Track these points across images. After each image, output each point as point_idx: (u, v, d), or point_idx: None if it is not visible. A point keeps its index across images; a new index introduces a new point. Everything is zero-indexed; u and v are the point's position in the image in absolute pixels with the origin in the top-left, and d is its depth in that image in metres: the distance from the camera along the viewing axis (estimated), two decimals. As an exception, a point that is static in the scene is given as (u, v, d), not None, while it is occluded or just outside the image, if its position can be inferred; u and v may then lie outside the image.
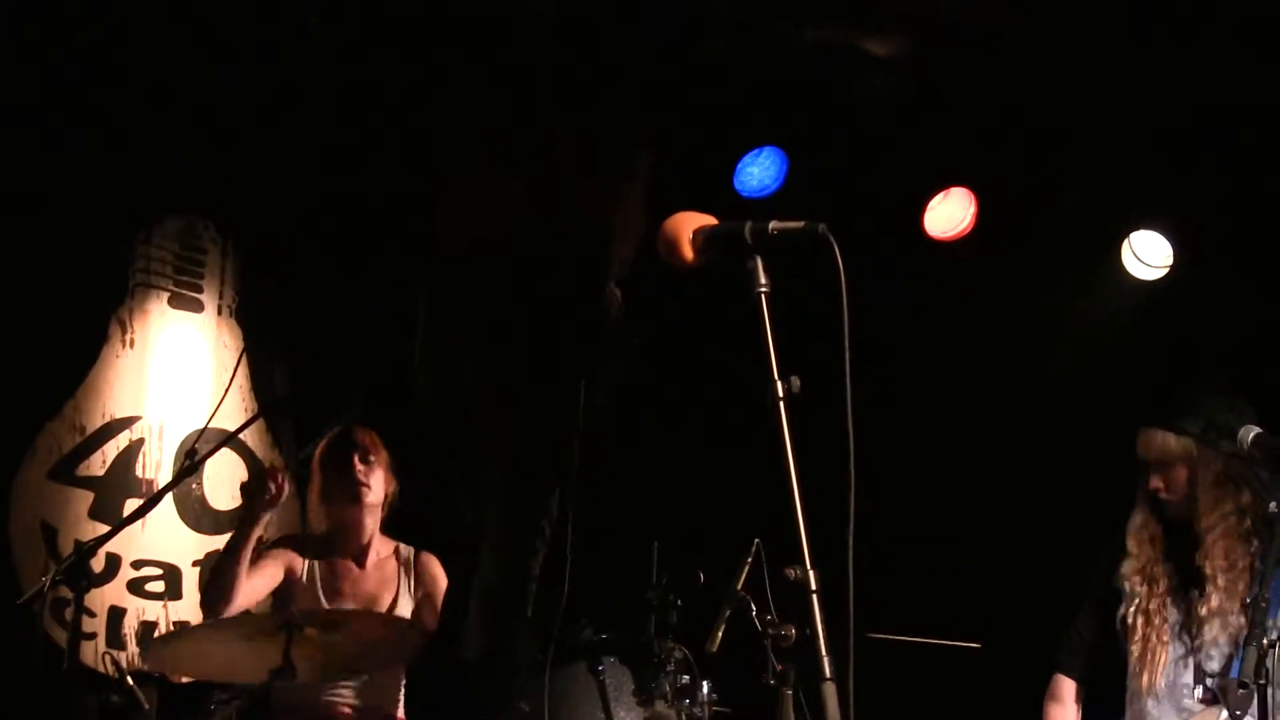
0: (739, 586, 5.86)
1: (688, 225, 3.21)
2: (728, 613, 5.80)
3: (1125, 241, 7.71)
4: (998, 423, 7.70)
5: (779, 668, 2.96)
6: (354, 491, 6.03)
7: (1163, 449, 5.61)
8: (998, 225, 7.78)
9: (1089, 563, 5.97)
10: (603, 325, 4.82)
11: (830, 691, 2.84)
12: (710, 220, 3.22)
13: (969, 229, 7.68)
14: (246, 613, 5.76)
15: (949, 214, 7.70)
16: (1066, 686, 5.85)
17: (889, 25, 7.66)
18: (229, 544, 5.78)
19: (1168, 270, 7.60)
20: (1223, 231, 7.36)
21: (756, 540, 5.89)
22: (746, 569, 5.88)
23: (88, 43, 6.78)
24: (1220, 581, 5.49)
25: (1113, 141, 7.58)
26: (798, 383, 3.03)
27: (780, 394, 3.02)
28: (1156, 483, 5.62)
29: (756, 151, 7.64)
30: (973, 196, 7.69)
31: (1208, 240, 7.45)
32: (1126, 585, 5.66)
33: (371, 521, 6.09)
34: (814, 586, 2.90)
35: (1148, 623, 5.59)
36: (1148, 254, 7.71)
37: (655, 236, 3.23)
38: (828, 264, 3.12)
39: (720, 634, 5.75)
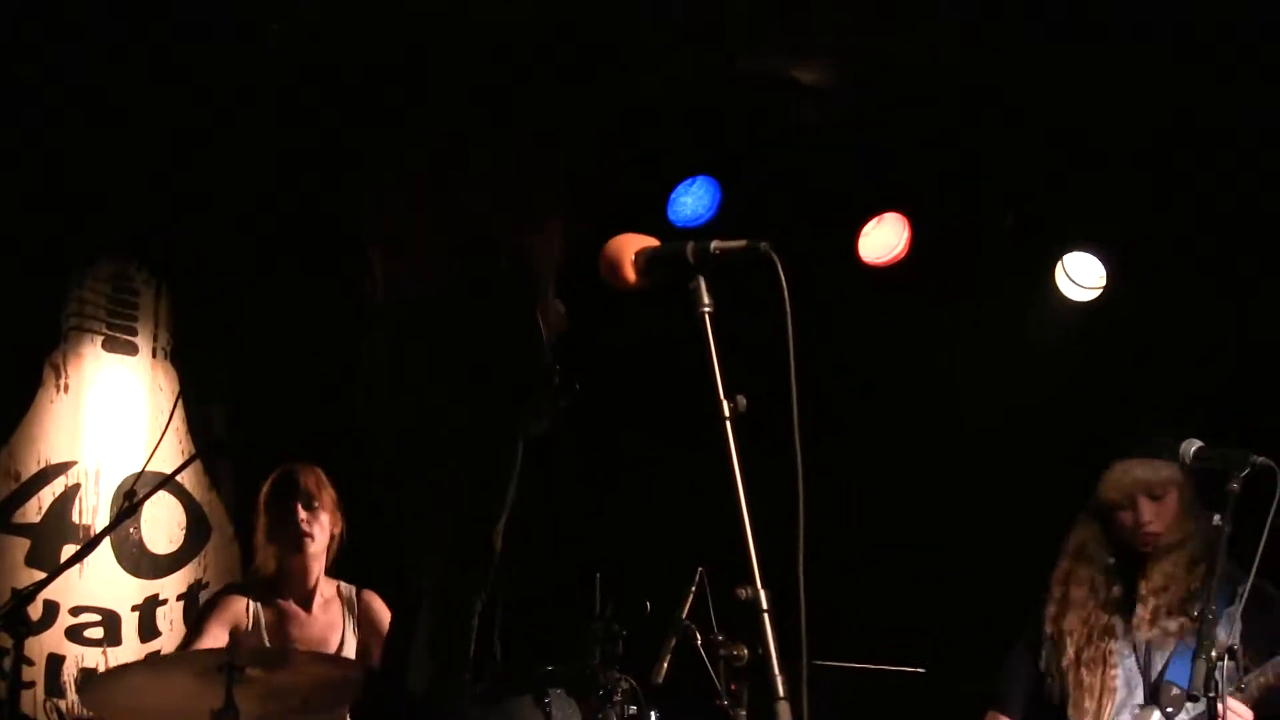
0: (684, 615, 5.86)
1: (630, 246, 3.20)
2: (673, 642, 5.79)
3: (1059, 263, 7.75)
4: (936, 446, 7.72)
5: (732, 688, 2.94)
6: (298, 541, 5.99)
7: (1156, 478, 5.63)
8: (932, 249, 7.81)
9: (1030, 598, 5.98)
10: (539, 359, 4.80)
11: (784, 710, 2.82)
12: (652, 241, 3.21)
13: (903, 254, 7.70)
14: (188, 651, 5.70)
15: (883, 239, 7.73)
16: None
17: (819, 53, 7.69)
18: None
19: (1101, 291, 7.64)
20: (1155, 251, 7.41)
21: (700, 568, 5.89)
22: (691, 597, 5.88)
23: (18, 83, 6.72)
24: (1162, 599, 5.52)
25: (1044, 163, 7.63)
26: (744, 402, 3.02)
27: (726, 413, 3.00)
28: (1148, 514, 5.62)
29: (690, 180, 7.64)
30: (906, 221, 7.72)
31: (1140, 260, 7.50)
32: (1067, 634, 5.69)
33: (317, 566, 6.06)
34: (765, 606, 2.88)
35: (1093, 669, 5.60)
36: (1081, 275, 7.75)
37: (597, 258, 3.22)
38: (769, 283, 3.12)
39: (666, 663, 5.73)
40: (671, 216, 7.60)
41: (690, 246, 3.14)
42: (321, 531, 6.02)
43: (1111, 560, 5.73)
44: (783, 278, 3.09)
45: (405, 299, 4.96)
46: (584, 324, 5.02)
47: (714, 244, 3.13)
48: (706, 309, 3.11)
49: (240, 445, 5.46)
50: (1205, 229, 7.21)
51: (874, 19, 7.15)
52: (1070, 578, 5.79)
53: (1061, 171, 7.67)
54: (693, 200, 7.58)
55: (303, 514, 5.98)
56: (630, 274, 3.18)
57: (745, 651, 2.90)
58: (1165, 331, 7.40)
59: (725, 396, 3.03)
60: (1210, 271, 7.23)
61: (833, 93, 7.96)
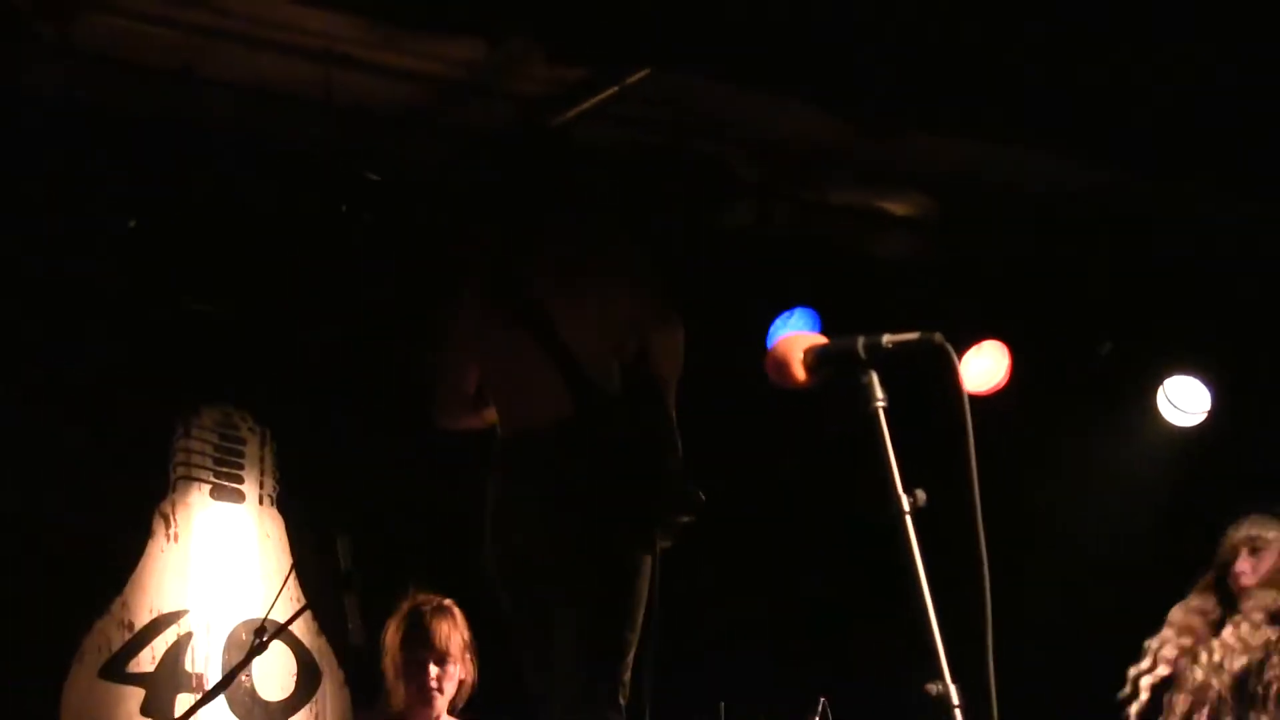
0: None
1: (798, 345, 3.19)
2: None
3: (1160, 388, 7.74)
4: (1036, 579, 7.66)
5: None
6: (427, 694, 5.99)
7: (1261, 532, 5.73)
8: (1031, 378, 7.79)
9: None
10: (671, 472, 4.80)
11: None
12: (819, 339, 3.21)
13: (1004, 382, 7.68)
14: None
15: (983, 367, 7.70)
16: None
17: (909, 185, 7.75)
18: None
19: (1206, 416, 7.63)
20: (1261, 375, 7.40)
21: (823, 699, 5.86)
22: (814, 728, 5.85)
23: (111, 237, 6.82)
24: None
25: (1144, 288, 7.64)
26: (923, 496, 3.00)
27: (906, 508, 2.99)
28: (1244, 565, 5.74)
29: (788, 312, 7.65)
30: (1006, 349, 7.71)
31: (1247, 385, 7.49)
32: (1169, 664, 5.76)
33: (443, 708, 6.05)
34: (955, 701, 2.85)
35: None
36: (1183, 400, 7.74)
37: (764, 361, 3.22)
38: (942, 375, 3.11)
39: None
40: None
41: (861, 341, 3.12)
42: (451, 683, 6.02)
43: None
44: (958, 368, 3.08)
45: (523, 431, 4.97)
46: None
47: (885, 337, 3.11)
48: (880, 404, 3.09)
49: (366, 579, 5.47)
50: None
51: (967, 147, 7.20)
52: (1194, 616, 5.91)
53: (1163, 297, 7.68)
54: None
55: (434, 670, 5.97)
56: (800, 373, 3.17)
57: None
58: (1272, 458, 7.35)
59: (905, 491, 3.01)
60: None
61: (924, 223, 8.03)
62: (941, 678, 2.88)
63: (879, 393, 3.10)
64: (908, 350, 3.12)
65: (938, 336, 3.11)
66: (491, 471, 5.03)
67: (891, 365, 3.12)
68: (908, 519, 3.00)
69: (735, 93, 6.66)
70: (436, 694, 5.98)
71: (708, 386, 5.51)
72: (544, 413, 4.88)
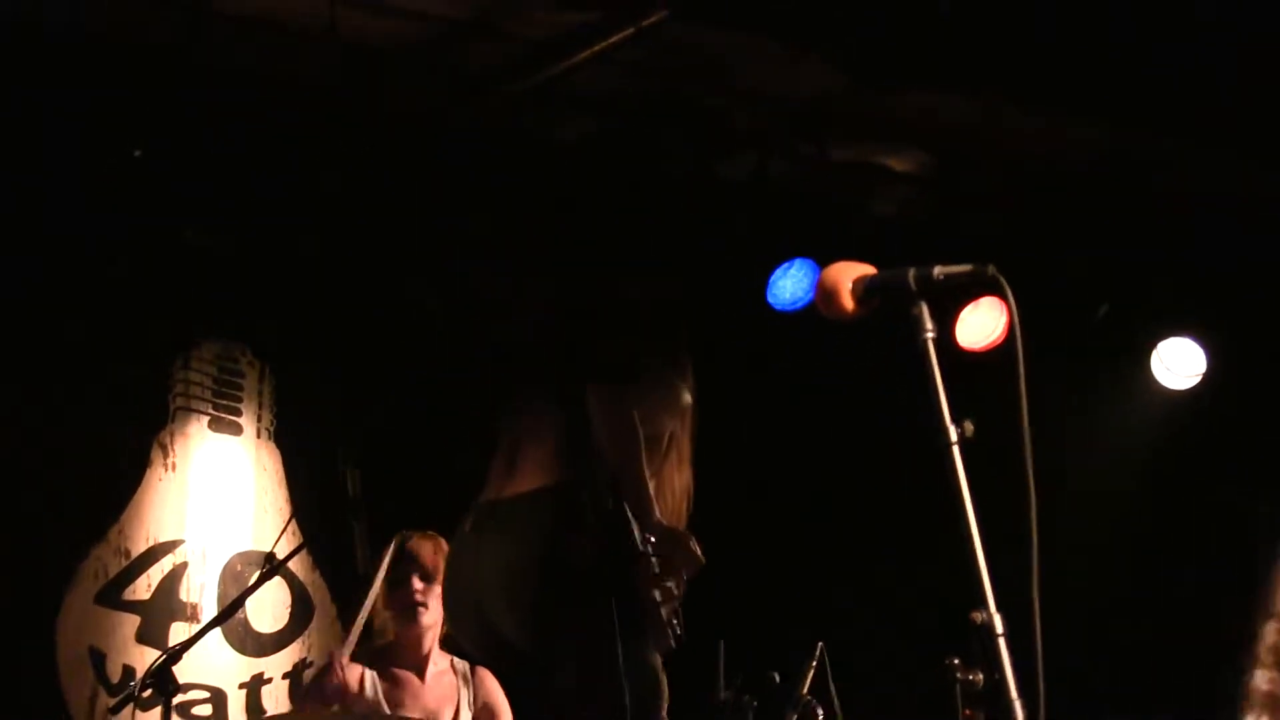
0: (804, 690, 5.84)
1: (847, 275, 3.17)
2: (794, 717, 5.78)
3: (1154, 351, 7.76)
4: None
5: (967, 714, 2.93)
6: (411, 611, 6.00)
7: None
8: (1026, 335, 7.80)
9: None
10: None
11: (1024, 735, 2.81)
12: (869, 269, 3.19)
13: (1002, 339, 7.67)
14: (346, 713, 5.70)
15: (981, 324, 7.69)
16: None
17: (908, 140, 7.77)
18: None
19: (1199, 380, 7.66)
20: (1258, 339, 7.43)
21: (820, 643, 5.87)
22: (811, 672, 5.86)
23: (128, 172, 6.81)
24: None
25: (1142, 248, 7.67)
26: (971, 427, 3.01)
27: (954, 438, 2.99)
28: None
29: (787, 264, 7.65)
30: (1004, 305, 7.71)
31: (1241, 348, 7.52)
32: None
33: (430, 636, 6.07)
34: (999, 630, 2.87)
35: None
36: (1178, 363, 7.76)
37: (814, 288, 3.21)
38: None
39: (788, 740, 5.73)
40: (771, 300, 7.61)
41: (912, 273, 3.10)
42: (436, 603, 6.01)
43: None
44: (1011, 299, 3.08)
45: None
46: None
47: (937, 269, 3.10)
48: (930, 335, 3.08)
49: (372, 510, 5.49)
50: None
51: (966, 107, 7.23)
52: None
53: (1157, 259, 7.71)
54: (791, 283, 7.58)
55: (418, 584, 5.98)
56: (848, 302, 3.15)
57: (981, 677, 2.87)
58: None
59: (952, 421, 3.01)
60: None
61: (923, 178, 8.05)
62: (986, 606, 2.89)
63: (929, 324, 3.08)
64: (959, 282, 3.11)
65: (990, 268, 3.10)
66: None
67: (941, 297, 3.11)
68: (955, 449, 3.00)
69: (742, 41, 6.67)
70: (421, 610, 5.98)
71: (710, 334, 5.54)
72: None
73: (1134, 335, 7.95)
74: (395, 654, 6.09)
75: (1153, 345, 7.83)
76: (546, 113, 7.24)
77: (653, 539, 4.65)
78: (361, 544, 5.50)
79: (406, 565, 6.02)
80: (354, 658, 6.03)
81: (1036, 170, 7.80)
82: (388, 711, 5.90)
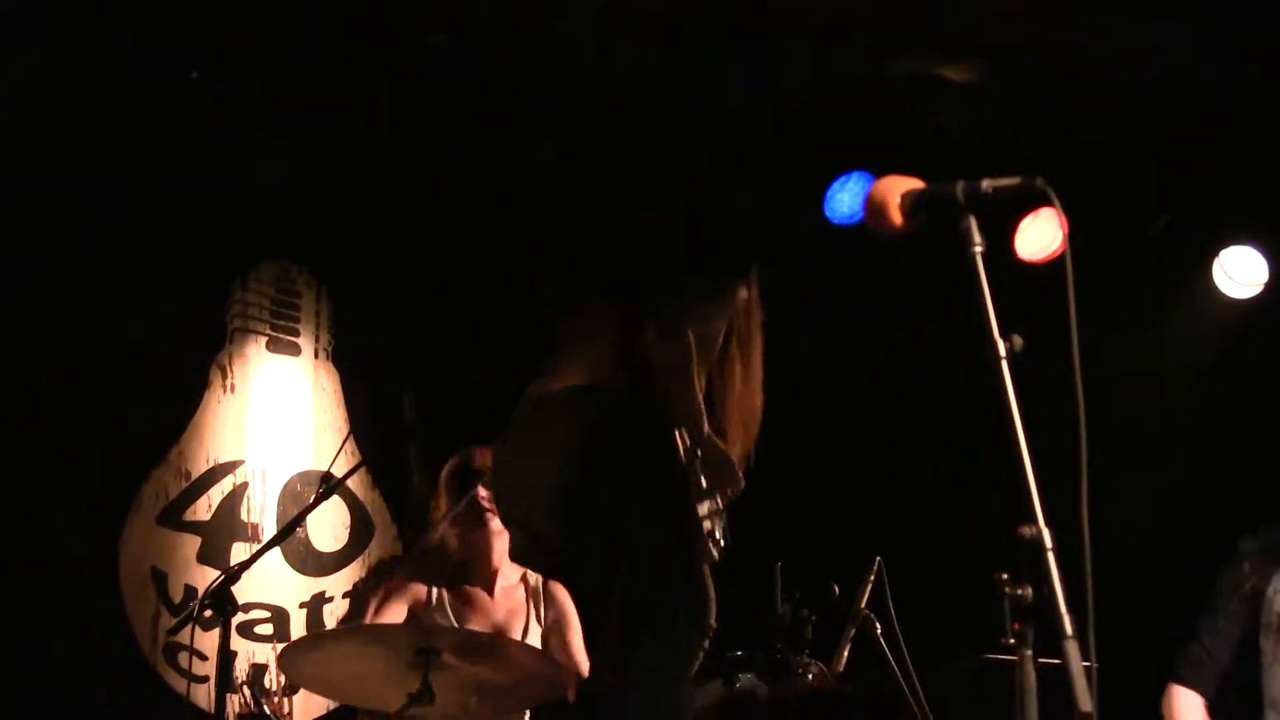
0: (862, 604, 5.83)
1: (895, 189, 3.14)
2: (853, 631, 5.77)
3: (1216, 260, 7.68)
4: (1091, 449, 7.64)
5: (1015, 627, 2.90)
6: (480, 517, 5.94)
7: None
8: (1086, 248, 7.74)
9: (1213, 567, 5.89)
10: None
11: (1072, 649, 2.79)
12: (918, 183, 3.16)
13: (1061, 249, 7.60)
14: (397, 625, 5.66)
15: (1039, 235, 7.62)
16: (1193, 703, 5.69)
17: (968, 52, 7.67)
18: None
19: (1262, 288, 7.57)
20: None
21: (878, 557, 5.85)
22: (869, 586, 5.85)
23: (182, 92, 6.79)
24: None
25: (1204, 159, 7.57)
26: (1020, 342, 2.98)
27: (1003, 353, 2.97)
28: None
29: (845, 177, 7.59)
30: (1062, 217, 7.64)
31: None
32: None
33: (500, 545, 5.95)
34: (1048, 544, 2.84)
35: None
36: (1240, 272, 7.68)
37: (862, 203, 3.18)
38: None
39: (846, 654, 5.71)
40: (829, 214, 7.56)
41: (960, 186, 3.07)
42: None
43: None
44: (1060, 212, 3.04)
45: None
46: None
47: (985, 182, 3.07)
48: (978, 248, 3.05)
49: (428, 431, 5.48)
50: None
51: (1025, 17, 7.13)
52: None
53: (1220, 168, 7.61)
54: (849, 197, 7.52)
55: (484, 491, 5.91)
56: (897, 217, 3.12)
57: (1030, 591, 2.85)
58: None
59: (1001, 336, 2.99)
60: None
61: (982, 90, 7.95)
62: (1035, 521, 2.87)
63: (977, 237, 3.05)
64: (1008, 195, 3.07)
65: (1039, 181, 3.07)
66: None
67: (993, 210, 3.08)
68: (1004, 364, 2.98)
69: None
70: (490, 515, 5.91)
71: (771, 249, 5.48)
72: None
73: (1197, 244, 7.85)
74: (464, 568, 6.05)
75: (1215, 254, 7.74)
76: (605, 34, 7.18)
77: (700, 452, 4.62)
78: (418, 468, 5.49)
79: (472, 476, 5.98)
80: (422, 575, 6.01)
81: (1097, 80, 7.69)
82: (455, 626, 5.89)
